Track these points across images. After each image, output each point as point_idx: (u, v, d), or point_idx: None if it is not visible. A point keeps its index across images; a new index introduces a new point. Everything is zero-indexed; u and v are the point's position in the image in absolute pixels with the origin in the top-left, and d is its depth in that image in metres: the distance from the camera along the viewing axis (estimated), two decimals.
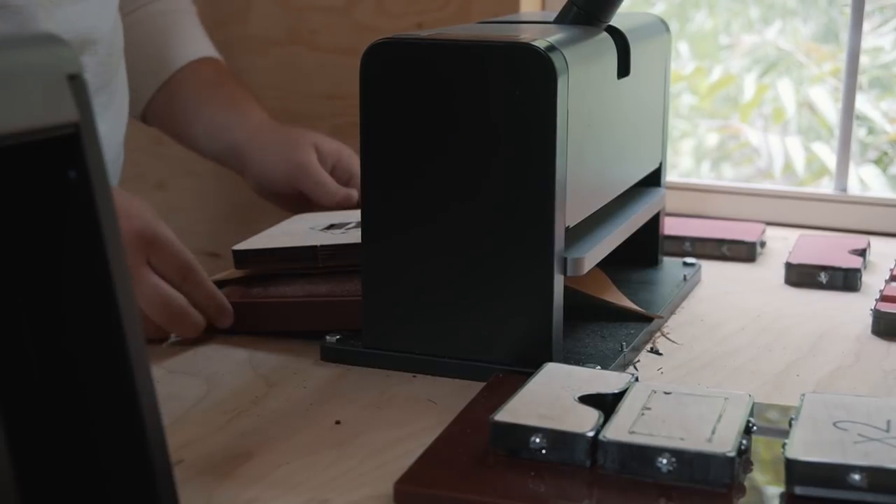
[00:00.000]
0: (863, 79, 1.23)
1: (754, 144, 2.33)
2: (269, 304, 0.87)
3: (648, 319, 0.87)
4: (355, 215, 0.97)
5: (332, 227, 0.95)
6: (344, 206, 1.05)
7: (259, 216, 1.34)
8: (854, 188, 1.27)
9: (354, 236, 0.89)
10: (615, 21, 0.87)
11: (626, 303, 0.89)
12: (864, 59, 1.26)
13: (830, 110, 2.23)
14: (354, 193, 1.07)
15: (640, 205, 0.95)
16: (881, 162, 2.20)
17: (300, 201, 1.09)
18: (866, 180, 2.10)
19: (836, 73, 2.25)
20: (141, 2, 1.16)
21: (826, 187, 1.37)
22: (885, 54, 2.18)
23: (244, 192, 1.35)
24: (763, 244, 1.14)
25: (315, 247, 0.89)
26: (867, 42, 1.24)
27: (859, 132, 2.13)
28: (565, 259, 0.78)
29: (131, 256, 0.82)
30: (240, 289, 0.90)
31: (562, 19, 0.86)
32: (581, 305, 0.86)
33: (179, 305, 0.84)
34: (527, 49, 0.74)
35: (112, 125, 1.07)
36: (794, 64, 2.35)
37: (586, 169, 0.81)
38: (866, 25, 1.25)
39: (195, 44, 1.17)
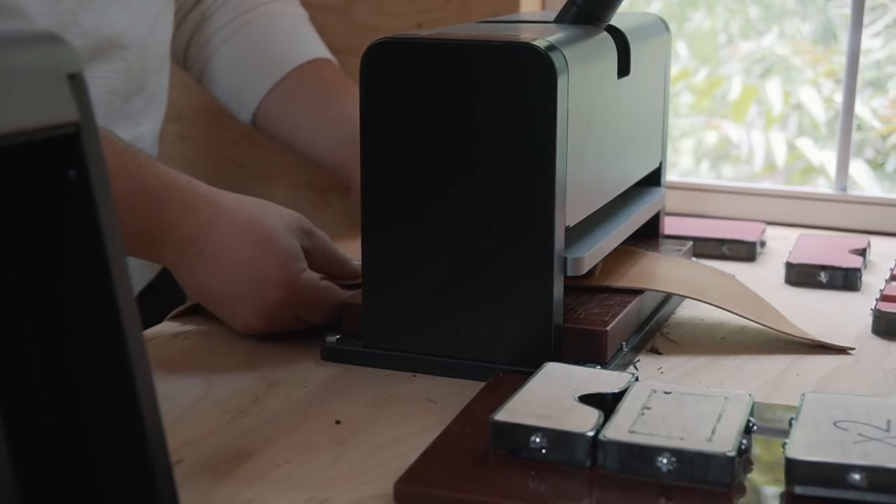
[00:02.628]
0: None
1: (735, 141, 2.33)
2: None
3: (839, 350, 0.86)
4: None
5: None
6: None
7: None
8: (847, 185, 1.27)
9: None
10: (615, 21, 0.87)
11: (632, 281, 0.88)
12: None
13: (820, 110, 2.24)
14: None
15: (640, 204, 0.95)
16: (874, 161, 2.21)
17: None
18: (855, 176, 2.10)
19: (830, 75, 2.26)
20: (251, 4, 1.16)
21: (819, 186, 1.37)
22: (874, 53, 2.18)
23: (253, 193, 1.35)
24: (763, 244, 1.14)
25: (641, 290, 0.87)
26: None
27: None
28: (565, 259, 0.78)
29: (281, 311, 0.84)
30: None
31: (562, 19, 0.86)
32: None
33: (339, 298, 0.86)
34: (527, 48, 0.74)
35: (149, 128, 1.07)
36: (790, 68, 2.36)
37: (586, 168, 0.81)
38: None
39: (312, 45, 1.17)
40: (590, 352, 0.78)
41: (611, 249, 0.86)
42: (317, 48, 1.17)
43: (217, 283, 0.83)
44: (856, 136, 2.15)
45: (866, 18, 1.22)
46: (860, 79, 1.25)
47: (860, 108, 2.12)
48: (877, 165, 2.20)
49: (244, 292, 0.83)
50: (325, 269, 0.87)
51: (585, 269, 0.79)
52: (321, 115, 1.13)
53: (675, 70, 2.36)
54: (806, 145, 2.24)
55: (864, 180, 2.11)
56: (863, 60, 1.25)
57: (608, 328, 0.78)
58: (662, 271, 0.91)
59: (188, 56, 1.17)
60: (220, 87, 1.17)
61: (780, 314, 0.90)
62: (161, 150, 1.41)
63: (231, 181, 1.37)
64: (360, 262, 0.83)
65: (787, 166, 2.27)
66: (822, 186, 2.17)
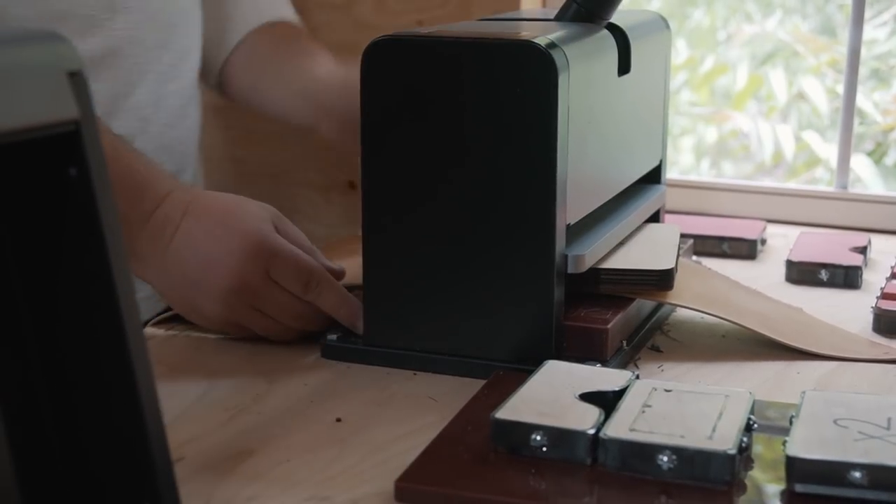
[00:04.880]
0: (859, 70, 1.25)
1: (745, 131, 2.33)
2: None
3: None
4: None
5: None
6: None
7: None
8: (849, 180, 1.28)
9: (637, 259, 0.85)
10: (615, 18, 0.87)
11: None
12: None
13: (823, 101, 2.24)
14: None
15: (640, 202, 0.94)
16: (875, 153, 2.21)
17: None
18: (858, 171, 2.10)
19: (833, 65, 2.26)
20: None
21: (819, 178, 1.37)
22: (879, 45, 2.18)
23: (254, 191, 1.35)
24: (764, 241, 1.14)
25: (598, 269, 0.83)
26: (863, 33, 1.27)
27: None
28: (566, 256, 0.78)
29: (252, 277, 0.82)
30: None
31: (562, 17, 0.86)
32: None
33: (314, 316, 0.84)
34: (528, 46, 0.74)
35: (180, 85, 1.08)
36: (792, 54, 2.36)
37: (587, 166, 0.81)
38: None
39: (273, 4, 1.17)
40: (590, 350, 0.78)
41: (612, 247, 0.86)
42: (279, 9, 1.17)
43: (189, 255, 0.82)
44: (858, 129, 2.15)
45: (870, 10, 1.22)
46: (864, 70, 1.25)
47: (863, 102, 2.12)
48: (878, 159, 2.19)
49: (214, 255, 0.82)
50: None
51: (586, 266, 0.79)
52: (280, 72, 1.13)
53: (680, 59, 2.36)
54: (812, 138, 2.24)
55: (867, 175, 2.11)
56: (867, 52, 1.25)
57: (608, 326, 0.78)
58: (734, 298, 0.90)
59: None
60: None
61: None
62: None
63: (230, 179, 1.37)
64: (336, 262, 0.85)
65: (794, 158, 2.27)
66: (824, 179, 2.17)
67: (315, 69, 1.13)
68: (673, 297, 0.85)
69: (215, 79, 1.17)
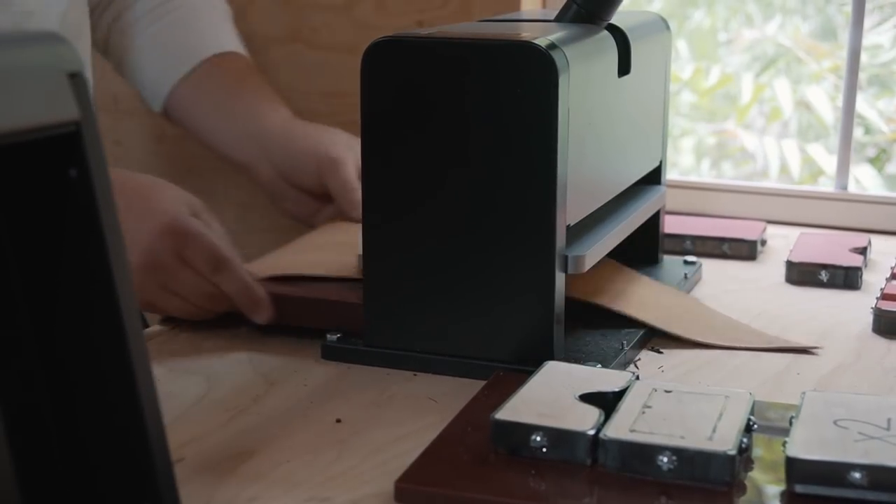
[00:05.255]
0: (861, 76, 1.23)
1: (750, 150, 2.33)
2: (305, 300, 0.86)
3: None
4: None
5: None
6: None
7: (262, 218, 1.34)
8: (851, 187, 1.27)
9: None
10: (615, 19, 0.87)
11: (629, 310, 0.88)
12: (863, 57, 1.26)
13: (827, 110, 2.23)
14: None
15: (640, 203, 0.95)
16: (877, 161, 2.20)
17: (317, 201, 1.09)
18: (862, 180, 2.10)
19: (835, 70, 2.25)
20: None
21: (825, 185, 1.37)
22: (884, 52, 2.17)
23: (244, 195, 1.35)
24: (764, 242, 1.14)
25: None
26: (866, 40, 1.24)
27: (856, 131, 2.15)
28: (566, 257, 0.78)
29: (163, 255, 0.84)
30: (275, 283, 0.89)
31: (562, 18, 0.86)
32: (581, 307, 0.86)
33: (215, 294, 0.85)
34: (528, 47, 0.74)
35: None
36: (794, 60, 2.35)
37: (587, 167, 0.81)
38: (866, 23, 1.24)
39: (224, 37, 1.17)
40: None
41: (612, 248, 0.86)
42: (228, 41, 1.17)
43: None
44: (863, 139, 2.14)
45: (876, 16, 1.22)
46: (866, 78, 1.25)
47: (867, 111, 2.11)
48: (880, 167, 2.19)
49: (127, 231, 0.79)
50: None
51: (587, 266, 0.79)
52: (225, 109, 1.13)
53: (686, 72, 2.36)
54: (816, 151, 2.23)
55: (871, 185, 2.10)
56: (870, 59, 1.25)
57: None
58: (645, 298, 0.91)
59: (109, 43, 1.17)
60: (134, 76, 1.17)
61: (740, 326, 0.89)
62: (139, 149, 1.41)
63: (210, 182, 1.36)
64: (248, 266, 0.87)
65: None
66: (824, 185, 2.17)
67: (262, 111, 1.12)
68: (578, 293, 0.86)
69: (161, 106, 1.16)
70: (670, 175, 1.26)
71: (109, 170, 0.86)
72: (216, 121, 1.14)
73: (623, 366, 0.81)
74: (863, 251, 1.07)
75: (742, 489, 0.61)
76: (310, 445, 0.69)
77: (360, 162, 1.08)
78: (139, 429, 0.49)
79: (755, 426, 0.66)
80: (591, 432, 0.63)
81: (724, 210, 1.27)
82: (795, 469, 0.60)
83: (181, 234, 0.84)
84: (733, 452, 0.60)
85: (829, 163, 2.17)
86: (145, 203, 0.84)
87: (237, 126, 1.12)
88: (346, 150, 1.07)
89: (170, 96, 1.15)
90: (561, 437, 0.63)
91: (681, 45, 2.41)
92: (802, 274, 1.03)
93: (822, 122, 2.25)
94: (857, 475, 0.58)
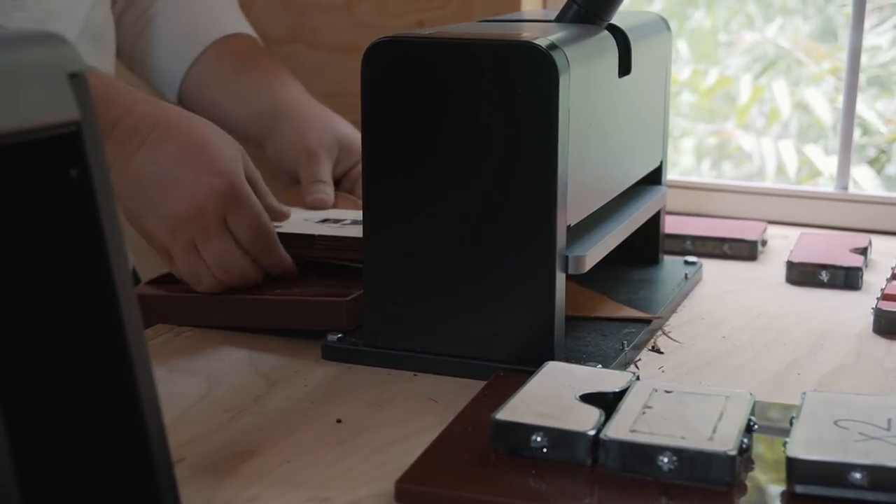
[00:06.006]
0: (860, 77, 1.23)
1: (746, 150, 2.33)
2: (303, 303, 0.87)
3: (647, 321, 0.87)
4: (352, 214, 0.97)
5: (326, 220, 0.95)
6: (315, 206, 1.02)
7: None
8: (849, 189, 1.28)
9: (352, 231, 0.90)
10: (616, 19, 0.87)
11: (623, 311, 0.89)
12: (862, 58, 1.26)
13: (826, 111, 2.23)
14: (328, 197, 1.04)
15: (641, 203, 0.95)
16: (876, 162, 2.20)
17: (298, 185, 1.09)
18: (860, 181, 2.10)
19: (834, 72, 2.25)
20: None
21: (825, 186, 1.37)
22: (883, 53, 2.17)
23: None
24: (764, 243, 1.14)
25: (312, 235, 0.90)
26: (865, 41, 1.25)
27: (854, 132, 2.15)
28: (567, 257, 0.78)
29: (209, 213, 0.84)
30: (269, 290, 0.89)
31: (562, 18, 0.86)
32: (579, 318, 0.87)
33: (241, 273, 0.87)
34: (528, 47, 0.74)
35: None
36: (794, 62, 2.35)
37: (587, 167, 0.81)
38: (865, 24, 1.24)
39: (230, 20, 1.18)
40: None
41: (612, 248, 0.86)
42: (235, 23, 1.18)
43: (153, 169, 0.84)
44: (861, 140, 2.14)
45: (874, 18, 1.22)
46: (865, 79, 1.25)
47: (866, 112, 2.11)
48: (879, 168, 2.19)
49: (181, 178, 0.84)
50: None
51: (587, 267, 0.79)
52: (234, 89, 1.13)
53: (685, 73, 2.36)
54: (813, 152, 2.23)
55: (869, 186, 2.10)
56: (870, 60, 1.25)
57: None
58: None
59: (117, 40, 1.17)
60: (146, 68, 1.17)
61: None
62: None
63: None
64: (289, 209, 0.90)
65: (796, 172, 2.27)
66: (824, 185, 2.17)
67: (273, 88, 1.13)
68: None
69: (175, 94, 1.16)
70: (671, 175, 1.26)
71: (163, 103, 0.88)
72: (225, 103, 1.14)
73: (623, 366, 0.81)
74: (863, 251, 1.07)
75: (742, 489, 0.61)
76: (310, 445, 0.69)
77: (343, 158, 1.08)
78: (140, 429, 0.49)
79: (755, 426, 0.66)
80: (592, 432, 0.63)
81: (725, 210, 1.27)
82: (796, 469, 0.60)
83: (233, 198, 0.85)
84: (734, 453, 0.60)
85: (826, 164, 2.18)
86: (203, 155, 0.85)
87: (243, 106, 1.13)
88: (330, 146, 1.07)
89: (183, 82, 1.15)
90: (561, 438, 0.63)
91: (681, 46, 2.41)
92: (803, 274, 1.03)
93: (820, 124, 2.25)
94: (857, 475, 0.58)
